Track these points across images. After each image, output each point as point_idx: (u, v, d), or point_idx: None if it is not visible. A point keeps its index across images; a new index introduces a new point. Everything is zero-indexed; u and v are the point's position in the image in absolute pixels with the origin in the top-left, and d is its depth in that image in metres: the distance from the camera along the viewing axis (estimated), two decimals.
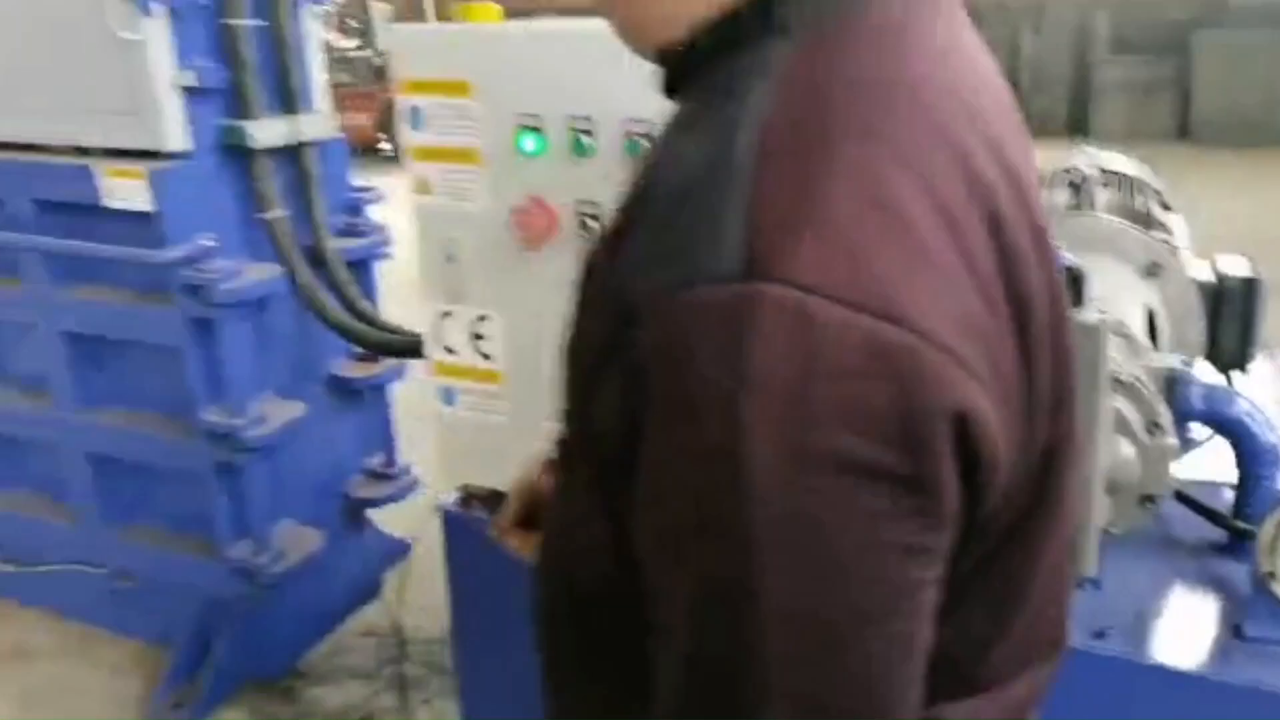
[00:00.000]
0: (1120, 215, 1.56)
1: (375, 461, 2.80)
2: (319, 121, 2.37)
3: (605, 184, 1.28)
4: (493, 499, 1.61)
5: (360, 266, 2.56)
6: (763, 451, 0.44)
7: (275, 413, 2.36)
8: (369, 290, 2.57)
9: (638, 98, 1.24)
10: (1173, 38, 11.37)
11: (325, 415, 2.58)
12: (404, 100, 1.37)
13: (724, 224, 0.46)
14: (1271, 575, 1.20)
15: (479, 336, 1.47)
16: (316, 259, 2.39)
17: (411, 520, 2.79)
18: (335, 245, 2.43)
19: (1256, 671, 1.15)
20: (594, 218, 1.30)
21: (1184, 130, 11.04)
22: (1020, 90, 10.86)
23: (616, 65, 1.14)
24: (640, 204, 0.55)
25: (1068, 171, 1.73)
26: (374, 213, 2.63)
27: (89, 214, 2.20)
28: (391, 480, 2.78)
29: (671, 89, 0.60)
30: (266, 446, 2.32)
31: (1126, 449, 1.23)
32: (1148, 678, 1.18)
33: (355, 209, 2.58)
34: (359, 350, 2.60)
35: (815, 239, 0.45)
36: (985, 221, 0.51)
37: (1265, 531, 1.20)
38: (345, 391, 2.66)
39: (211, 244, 2.16)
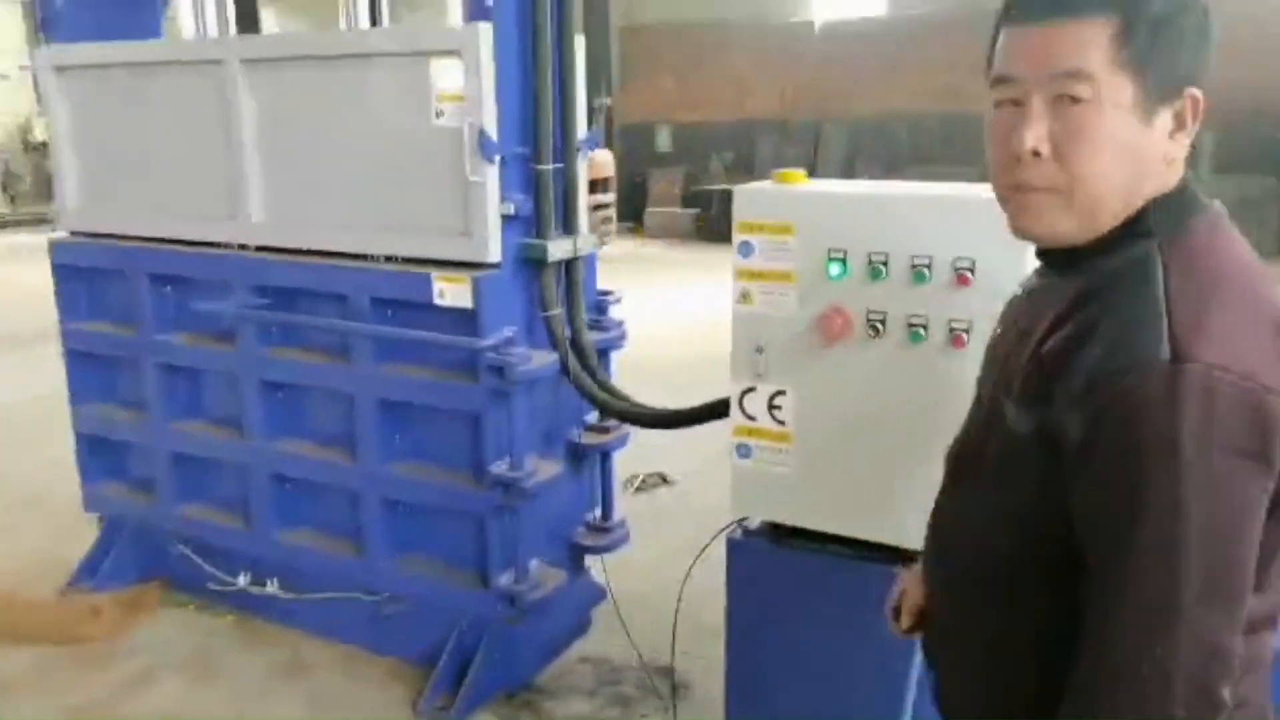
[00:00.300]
0: None
1: (594, 515, 3.35)
2: (587, 240, 3.00)
3: (892, 299, 1.83)
4: (769, 531, 2.12)
5: (602, 355, 3.15)
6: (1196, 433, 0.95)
7: (540, 468, 2.94)
8: (608, 374, 3.16)
9: (923, 241, 1.79)
10: (1276, 156, 11.69)
11: (566, 473, 3.15)
12: (739, 237, 1.95)
13: (1159, 334, 0.98)
14: None
15: (775, 407, 2.01)
16: (576, 348, 2.99)
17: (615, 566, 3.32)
18: (589, 338, 3.04)
19: None
20: (882, 323, 1.85)
21: None
22: None
23: (906, 219, 1.70)
24: (1076, 338, 1.06)
25: None
26: (614, 311, 3.23)
27: (417, 309, 2.85)
28: (608, 533, 3.32)
29: (1058, 267, 1.15)
30: (536, 494, 2.89)
31: None
32: None
33: (601, 308, 3.19)
34: (591, 422, 3.18)
35: (1219, 332, 0.98)
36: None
37: None
38: (579, 455, 3.23)
39: (511, 334, 2.78)
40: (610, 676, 3.20)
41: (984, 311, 1.70)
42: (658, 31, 15.23)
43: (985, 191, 1.24)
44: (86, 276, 3.60)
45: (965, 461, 1.26)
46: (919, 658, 1.77)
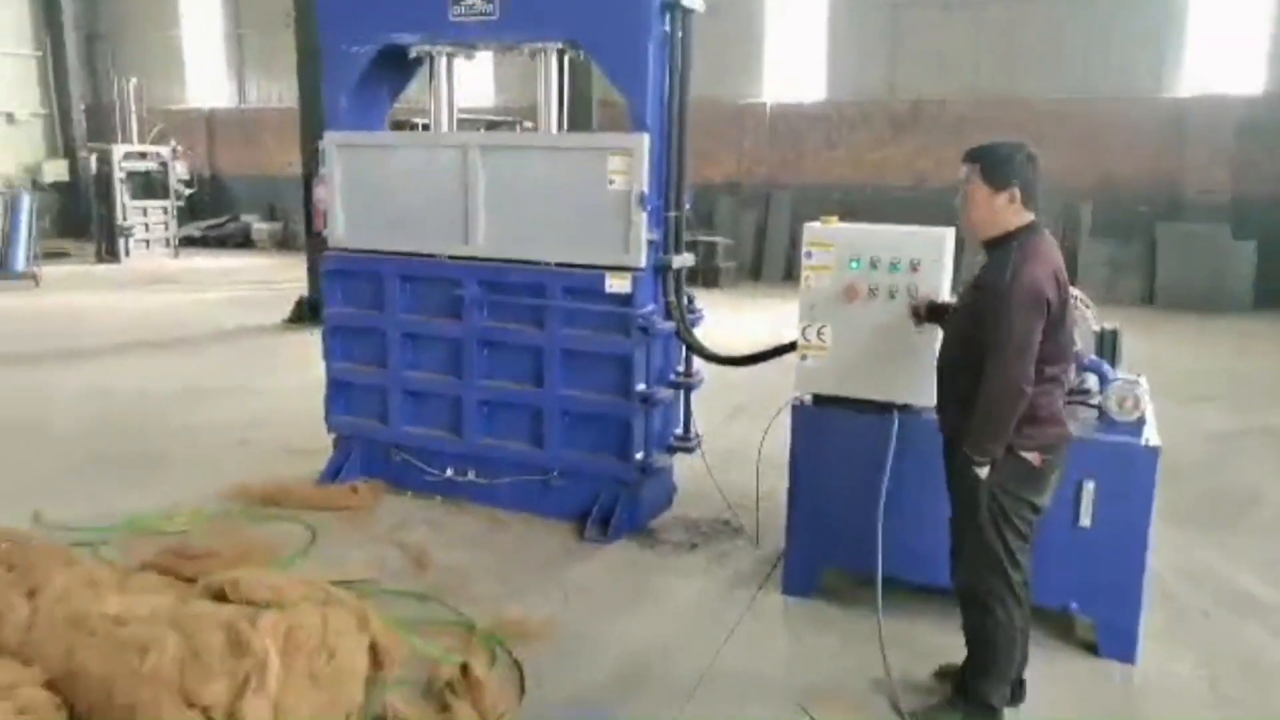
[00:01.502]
0: (1077, 304, 4.20)
1: (678, 430, 5.36)
2: (687, 258, 5.06)
3: (881, 278, 3.92)
4: (815, 401, 4.18)
5: (694, 325, 5.20)
6: (1018, 303, 3.05)
7: (660, 392, 4.97)
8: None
9: (896, 251, 3.91)
10: (1140, 226, 14.44)
11: (670, 398, 5.17)
12: (806, 248, 4.03)
13: (1016, 266, 3.07)
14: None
15: (821, 334, 4.07)
16: (682, 319, 5.04)
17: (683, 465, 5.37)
18: (687, 315, 5.10)
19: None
20: (875, 290, 3.93)
21: (1150, 297, 13.95)
22: None
23: (888, 240, 3.84)
24: (986, 280, 3.17)
25: None
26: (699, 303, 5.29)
27: (593, 296, 4.86)
28: (689, 440, 5.33)
29: (988, 249, 3.26)
30: (662, 404, 4.91)
31: None
32: None
33: (691, 299, 5.24)
34: (680, 369, 5.22)
35: (1030, 265, 3.08)
36: (1055, 274, 3.11)
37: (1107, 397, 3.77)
38: (676, 388, 5.24)
39: (651, 308, 4.83)
40: (694, 522, 5.20)
41: (926, 282, 3.80)
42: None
43: (923, 231, 3.39)
44: (344, 278, 5.53)
45: (951, 332, 3.37)
46: (890, 455, 3.79)
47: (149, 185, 17.92)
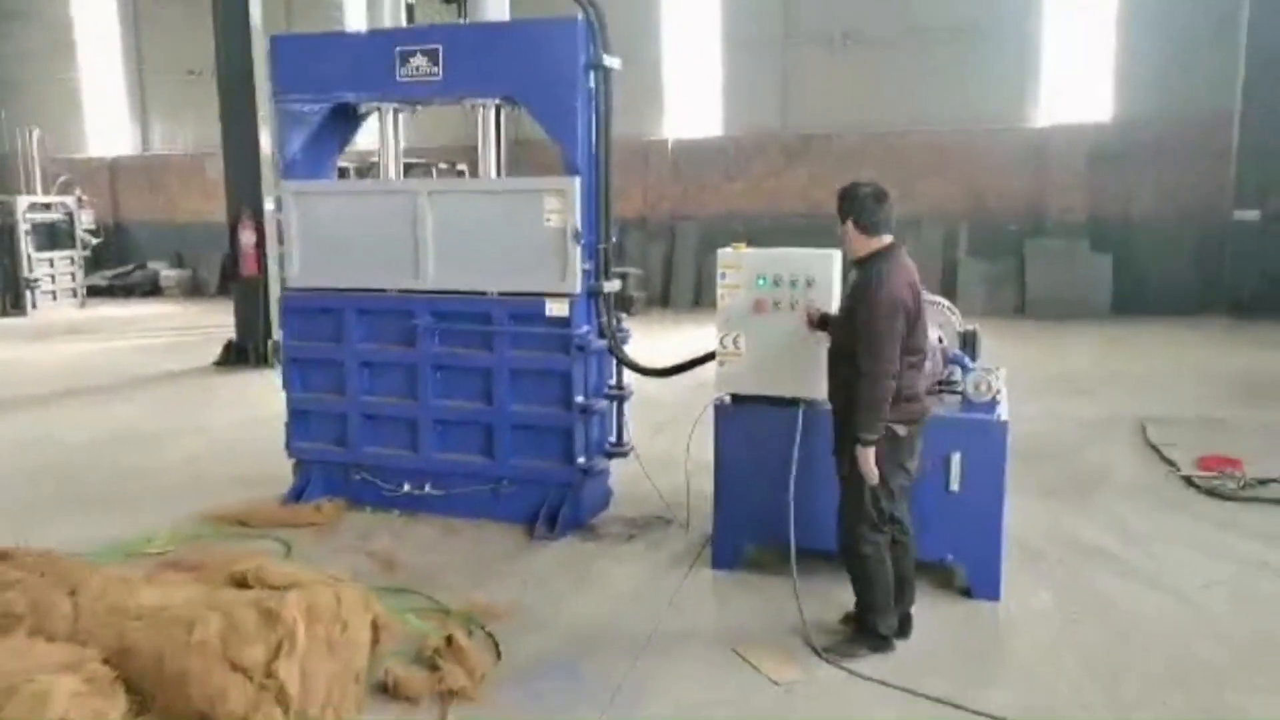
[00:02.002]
0: (943, 311, 5.06)
1: (612, 438, 6.04)
2: (616, 283, 5.77)
3: (783, 293, 4.69)
4: (733, 400, 4.93)
5: (623, 342, 5.91)
6: (880, 309, 3.88)
7: (599, 403, 5.65)
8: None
9: (795, 269, 4.70)
10: (1011, 244, 15.83)
11: (605, 408, 5.85)
12: (720, 270, 4.77)
13: (877, 281, 3.90)
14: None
15: (735, 341, 4.82)
16: (613, 338, 5.73)
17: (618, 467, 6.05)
18: (618, 334, 5.80)
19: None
20: (777, 304, 4.69)
21: (1022, 308, 15.30)
22: None
23: (789, 260, 4.63)
24: (856, 292, 3.98)
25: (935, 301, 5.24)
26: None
27: (535, 320, 5.52)
28: (623, 446, 6.02)
29: (857, 267, 4.07)
30: (598, 414, 5.59)
31: (928, 364, 4.67)
32: None
33: (619, 319, 5.94)
34: (613, 382, 5.90)
35: (888, 279, 3.91)
36: (910, 285, 3.96)
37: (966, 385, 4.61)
38: (609, 399, 5.92)
39: (587, 329, 5.52)
40: (630, 519, 5.87)
41: (819, 297, 4.59)
42: (539, 146, 18.24)
43: (814, 252, 4.23)
44: (302, 314, 6.06)
45: (835, 335, 4.17)
46: (798, 435, 4.55)
47: (54, 235, 17.80)
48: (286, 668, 3.32)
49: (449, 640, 4.04)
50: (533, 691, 3.91)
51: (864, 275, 4.01)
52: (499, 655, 4.17)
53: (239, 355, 11.53)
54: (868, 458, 3.95)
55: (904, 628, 4.25)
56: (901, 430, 4.00)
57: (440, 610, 4.59)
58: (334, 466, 6.13)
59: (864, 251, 4.06)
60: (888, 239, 4.06)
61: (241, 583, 3.74)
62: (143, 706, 3.27)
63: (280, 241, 6.35)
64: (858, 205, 4.04)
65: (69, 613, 3.54)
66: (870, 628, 4.14)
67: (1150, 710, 3.76)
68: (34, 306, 17.19)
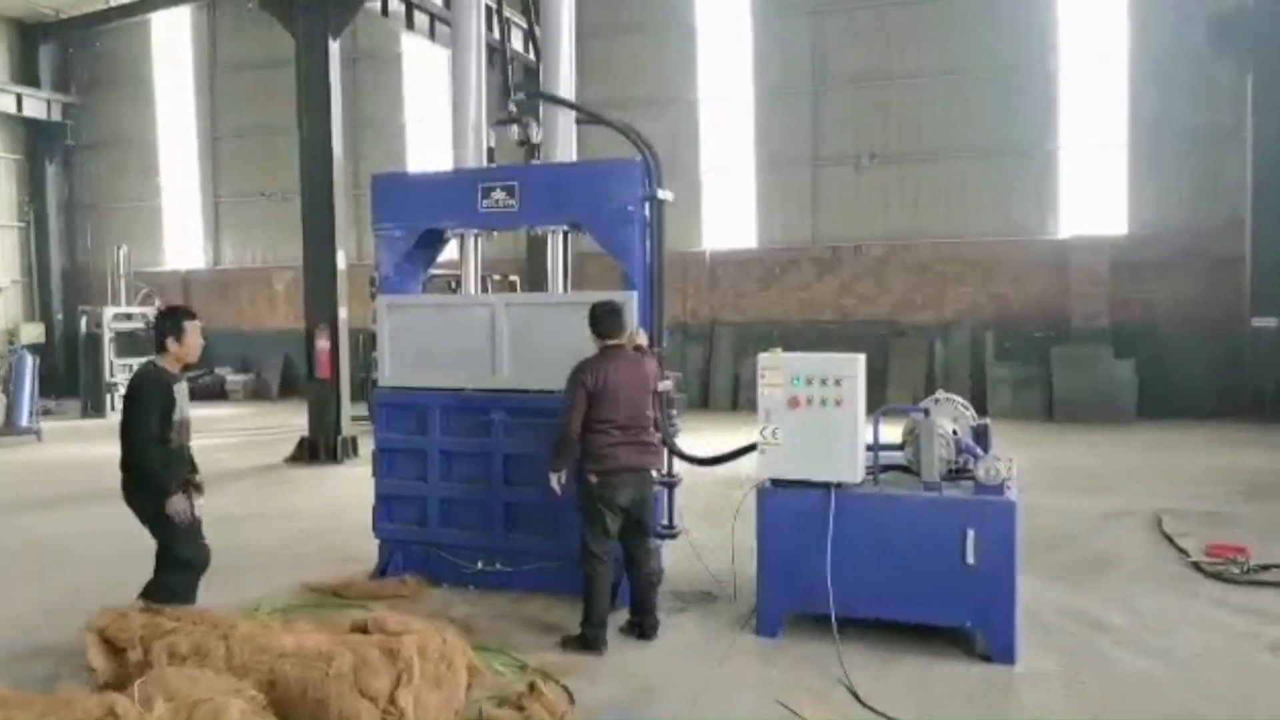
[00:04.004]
0: (958, 407, 5.78)
1: (664, 521, 6.73)
2: (669, 382, 6.57)
3: (815, 391, 5.46)
4: (772, 483, 5.65)
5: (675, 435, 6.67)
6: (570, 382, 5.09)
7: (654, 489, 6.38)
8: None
9: (824, 371, 5.48)
10: (1037, 349, 16.51)
11: (658, 493, 6.56)
12: (761, 371, 5.55)
13: (579, 367, 5.30)
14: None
15: (775, 432, 5.56)
16: (665, 430, 6.50)
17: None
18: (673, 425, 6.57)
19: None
20: (810, 400, 5.45)
21: (1049, 411, 15.87)
22: (935, 383, 15.67)
23: (818, 364, 5.42)
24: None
25: (950, 399, 5.96)
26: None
27: (536, 414, 6.31)
28: (674, 528, 6.70)
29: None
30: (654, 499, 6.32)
31: (944, 452, 5.37)
32: None
33: (673, 417, 6.72)
34: (665, 471, 6.64)
35: (590, 370, 5.25)
36: (598, 373, 5.31)
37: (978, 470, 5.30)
38: (663, 485, 6.64)
39: None
40: (681, 592, 6.51)
41: (847, 395, 5.34)
42: (595, 257, 19.51)
43: (843, 356, 5.01)
44: (392, 409, 6.90)
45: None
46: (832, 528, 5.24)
47: (134, 343, 19.09)
48: (406, 696, 4.02)
49: (531, 686, 4.70)
50: None
51: (585, 361, 5.48)
52: (572, 701, 4.81)
53: (311, 451, 12.42)
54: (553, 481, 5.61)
55: (643, 630, 5.80)
56: (592, 478, 5.46)
57: (519, 664, 5.26)
58: (414, 546, 6.87)
59: (598, 348, 5.57)
60: (611, 341, 5.54)
61: (362, 629, 4.46)
62: None
63: (372, 349, 7.22)
64: (591, 320, 5.58)
65: (224, 653, 4.28)
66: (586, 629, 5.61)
67: None
68: (113, 409, 18.32)
